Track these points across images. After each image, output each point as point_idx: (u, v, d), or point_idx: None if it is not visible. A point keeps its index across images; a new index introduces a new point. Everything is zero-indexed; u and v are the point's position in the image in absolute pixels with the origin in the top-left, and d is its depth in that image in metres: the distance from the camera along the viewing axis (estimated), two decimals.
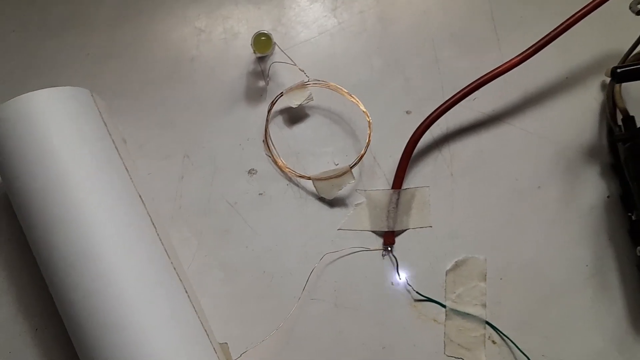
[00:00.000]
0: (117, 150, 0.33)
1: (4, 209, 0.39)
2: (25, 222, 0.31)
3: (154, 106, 0.40)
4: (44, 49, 0.42)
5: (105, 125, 0.34)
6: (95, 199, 0.30)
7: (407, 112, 0.42)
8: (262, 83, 0.41)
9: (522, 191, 0.40)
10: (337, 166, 0.40)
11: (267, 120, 0.40)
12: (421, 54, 0.43)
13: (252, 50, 0.39)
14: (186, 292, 0.32)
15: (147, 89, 0.41)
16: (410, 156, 0.39)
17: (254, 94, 0.41)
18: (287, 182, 0.40)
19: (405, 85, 0.42)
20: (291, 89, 0.40)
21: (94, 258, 0.29)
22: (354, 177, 0.39)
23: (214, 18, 0.43)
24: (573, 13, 0.38)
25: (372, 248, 0.39)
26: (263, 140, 0.40)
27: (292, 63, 0.40)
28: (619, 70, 0.38)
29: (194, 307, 0.32)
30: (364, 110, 0.39)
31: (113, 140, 0.34)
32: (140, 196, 0.33)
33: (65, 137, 0.31)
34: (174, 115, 0.40)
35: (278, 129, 0.41)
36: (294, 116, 0.41)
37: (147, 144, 0.40)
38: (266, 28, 0.42)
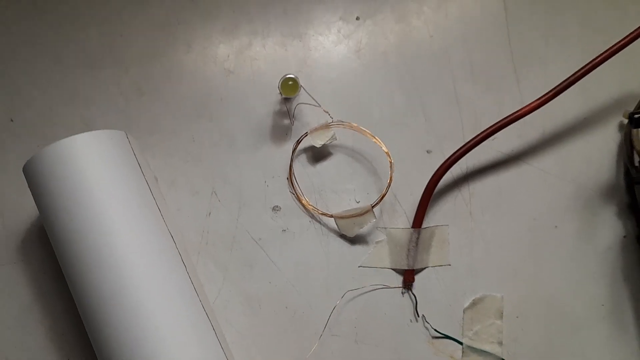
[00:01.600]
0: (150, 190, 0.35)
1: (41, 241, 0.41)
2: (62, 258, 0.33)
3: (184, 143, 0.42)
4: (80, 85, 0.44)
5: (139, 165, 0.36)
6: (129, 238, 0.32)
7: (427, 152, 0.43)
8: (287, 122, 0.43)
9: (539, 230, 0.41)
10: (359, 204, 0.41)
11: (291, 158, 0.42)
12: (442, 92, 0.44)
13: (279, 92, 0.41)
14: (212, 327, 0.34)
15: (178, 126, 0.43)
16: (430, 196, 0.40)
17: (279, 133, 0.43)
18: (310, 219, 0.41)
19: (426, 124, 0.44)
20: (315, 129, 0.42)
21: (127, 293, 0.31)
22: (375, 216, 0.40)
23: (243, 59, 0.45)
24: (595, 57, 0.39)
25: (392, 286, 0.40)
26: (287, 178, 0.42)
27: (317, 105, 0.42)
28: (636, 116, 0.39)
29: (220, 342, 0.34)
30: (386, 151, 0.41)
31: (146, 180, 0.36)
32: (170, 233, 0.35)
33: (102, 179, 0.33)
34: (203, 152, 0.42)
35: (302, 167, 0.42)
36: (318, 155, 0.43)
37: (177, 180, 0.42)
38: (292, 69, 0.44)
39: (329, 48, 0.45)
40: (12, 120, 0.43)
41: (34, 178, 0.34)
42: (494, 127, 0.40)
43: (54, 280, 0.40)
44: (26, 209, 0.41)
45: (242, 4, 0.46)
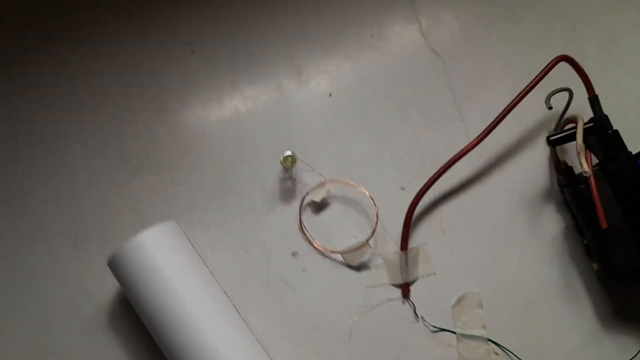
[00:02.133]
0: (204, 262, 0.48)
1: (121, 311, 0.53)
2: (150, 325, 0.46)
3: (218, 217, 0.55)
4: (129, 186, 0.57)
5: (192, 244, 0.49)
6: (199, 304, 0.45)
7: (402, 189, 0.56)
8: (291, 186, 0.56)
9: (499, 234, 0.54)
10: (357, 239, 0.54)
11: (299, 213, 0.55)
12: (405, 139, 0.57)
13: (282, 166, 0.54)
14: (267, 355, 0.46)
15: (211, 205, 0.56)
16: (410, 223, 0.53)
17: (287, 195, 0.56)
18: (322, 257, 0.54)
19: (398, 166, 0.57)
20: (313, 189, 0.55)
21: (204, 346, 0.44)
22: (371, 247, 0.53)
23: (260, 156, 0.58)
24: (520, 91, 0.51)
25: (393, 298, 0.52)
26: (299, 228, 0.55)
27: (311, 169, 0.55)
28: (551, 138, 0.52)
29: None
30: (370, 195, 0.54)
31: (199, 255, 0.49)
32: (225, 292, 0.48)
33: (170, 261, 0.46)
34: (233, 221, 0.55)
35: (309, 218, 0.55)
36: (319, 207, 0.56)
37: (216, 247, 0.55)
38: (292, 145, 0.57)
39: (313, 128, 0.59)
40: (82, 221, 0.56)
41: (118, 269, 0.47)
42: (448, 164, 0.53)
43: (141, 343, 0.53)
44: (110, 289, 0.54)
45: (236, 86, 0.59)
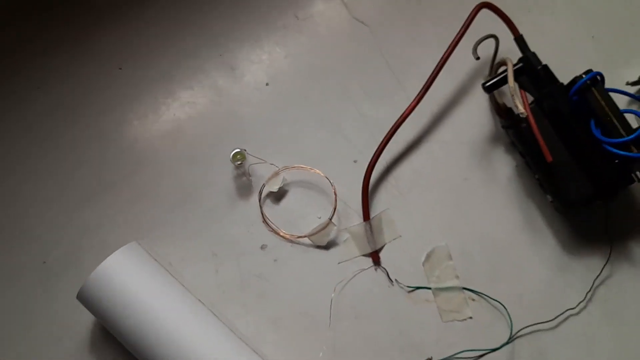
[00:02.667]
0: (172, 275, 0.49)
1: (103, 341, 0.53)
2: (132, 348, 0.46)
3: (179, 228, 0.55)
4: (86, 216, 0.57)
5: (156, 260, 0.49)
6: (175, 316, 0.45)
7: (354, 162, 0.57)
8: (246, 181, 0.56)
9: (455, 186, 0.55)
10: (321, 219, 0.55)
11: (260, 206, 0.55)
12: (348, 111, 0.58)
13: (233, 165, 0.54)
14: (254, 351, 0.47)
15: (169, 216, 0.55)
16: (367, 192, 0.54)
17: (244, 192, 0.56)
18: (291, 244, 0.55)
19: (346, 142, 0.57)
20: (269, 180, 0.55)
21: (183, 347, 0.44)
22: (335, 224, 0.54)
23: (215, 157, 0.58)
24: (449, 44, 0.52)
25: (365, 267, 0.54)
26: (262, 221, 0.55)
27: (263, 161, 0.56)
28: (486, 85, 0.53)
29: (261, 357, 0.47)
30: (324, 175, 0.55)
31: (167, 270, 0.49)
32: (199, 300, 0.48)
33: (138, 281, 0.46)
34: (196, 228, 0.55)
35: (270, 209, 0.56)
36: (279, 196, 0.56)
37: (184, 256, 0.55)
38: (240, 142, 0.57)
39: (258, 119, 0.59)
40: (44, 263, 0.56)
41: (88, 301, 0.46)
42: (393, 128, 0.54)
43: None
44: (87, 321, 0.54)
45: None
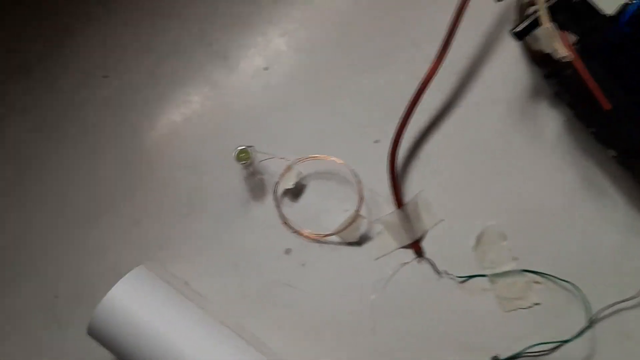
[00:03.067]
0: (187, 297, 0.42)
1: None
2: None
3: (193, 241, 0.49)
4: (89, 243, 0.51)
5: (168, 283, 0.43)
6: (193, 345, 0.39)
7: (376, 142, 0.49)
8: (258, 181, 0.50)
9: (496, 153, 0.47)
10: (347, 212, 0.48)
11: (277, 206, 0.49)
12: (363, 89, 0.51)
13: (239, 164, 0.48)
14: None
15: (180, 231, 0.50)
16: (395, 175, 0.47)
17: (258, 193, 0.50)
18: (318, 244, 0.48)
19: (365, 122, 0.50)
20: (282, 175, 0.48)
21: None
22: (364, 216, 0.47)
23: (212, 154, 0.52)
24: None
25: (407, 261, 0.46)
26: (282, 223, 0.48)
27: (272, 156, 0.49)
28: (516, 31, 0.45)
29: None
30: (341, 162, 0.47)
31: (180, 291, 0.43)
32: (221, 322, 0.41)
33: (149, 312, 0.40)
34: (210, 240, 0.49)
35: (289, 208, 0.49)
36: (296, 192, 0.49)
37: (203, 272, 0.48)
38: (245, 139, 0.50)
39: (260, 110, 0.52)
40: (56, 297, 0.50)
41: (99, 335, 0.41)
42: (415, 96, 0.46)
43: None
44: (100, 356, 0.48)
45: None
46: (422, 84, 0.46)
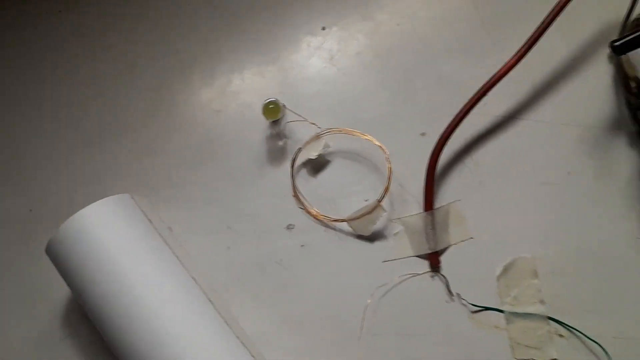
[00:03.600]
0: (165, 242, 0.37)
1: (80, 315, 0.43)
2: (98, 324, 0.35)
3: (192, 189, 0.44)
4: (87, 162, 0.47)
5: (150, 221, 0.38)
6: (154, 292, 0.34)
7: (422, 134, 0.43)
8: (281, 143, 0.44)
9: (553, 181, 0.41)
10: (367, 202, 0.42)
11: (292, 176, 0.43)
12: (423, 75, 0.45)
13: (265, 120, 0.42)
14: (253, 356, 0.35)
15: (183, 174, 0.45)
16: (434, 175, 0.41)
17: (276, 156, 0.44)
18: (324, 228, 0.42)
19: (415, 109, 0.44)
20: (307, 143, 0.43)
21: (162, 344, 0.32)
22: (384, 210, 0.40)
23: (227, 96, 0.47)
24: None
25: (420, 272, 0.40)
26: (293, 195, 0.43)
27: (303, 119, 0.43)
28: (617, 44, 0.38)
29: None
30: (379, 144, 0.41)
31: (160, 234, 0.38)
32: (193, 278, 0.36)
33: (117, 243, 0.35)
34: (211, 193, 0.44)
35: (305, 181, 0.43)
36: (317, 165, 0.44)
37: (192, 224, 0.43)
38: (274, 92, 0.45)
39: (303, 64, 0.47)
40: (30, 210, 0.46)
41: (56, 258, 0.36)
42: (479, 93, 0.40)
43: (102, 349, 0.42)
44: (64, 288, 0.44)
45: (213, 49, 0.48)
46: (490, 82, 0.40)
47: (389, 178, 0.41)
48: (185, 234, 0.43)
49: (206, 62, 0.48)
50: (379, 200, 0.40)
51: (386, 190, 0.40)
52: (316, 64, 0.47)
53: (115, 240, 0.35)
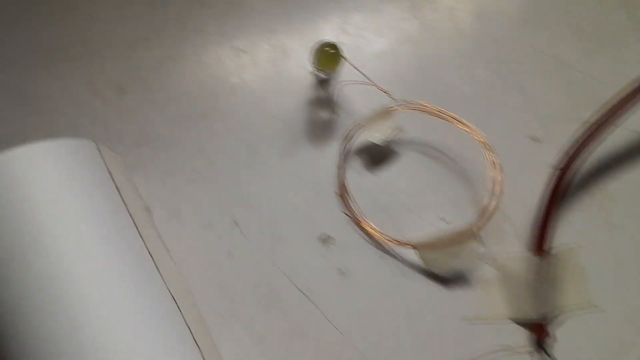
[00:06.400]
0: (135, 224, 0.22)
1: None
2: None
3: (187, 155, 0.29)
4: (41, 89, 0.30)
5: (118, 189, 0.23)
6: (89, 262, 0.20)
7: (533, 139, 0.29)
8: (328, 114, 0.29)
9: None
10: (449, 224, 0.27)
11: (340, 165, 0.28)
12: (539, 58, 0.31)
13: (311, 70, 0.27)
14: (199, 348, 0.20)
15: (177, 133, 0.29)
16: (554, 207, 0.26)
17: (318, 130, 0.29)
18: (379, 251, 0.27)
19: (524, 101, 0.30)
20: (372, 119, 0.28)
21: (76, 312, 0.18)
22: (482, 242, 0.26)
23: (257, 33, 0.31)
24: None
25: (515, 346, 0.25)
26: (337, 193, 0.28)
27: (370, 83, 0.28)
28: None
29: None
30: (483, 140, 0.27)
31: (129, 211, 0.22)
32: (171, 293, 0.21)
33: (52, 198, 0.20)
34: (215, 166, 0.29)
35: (358, 175, 0.29)
36: (379, 156, 0.29)
37: (182, 208, 0.28)
38: (329, 38, 0.30)
39: (373, 7, 0.32)
40: None
41: None
42: (625, 100, 0.26)
43: None
44: None
45: None
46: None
47: (497, 195, 0.26)
48: (168, 220, 0.28)
49: None
50: (476, 227, 0.25)
51: (490, 213, 0.26)
52: (392, 11, 0.32)
53: (51, 194, 0.20)
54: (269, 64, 0.31)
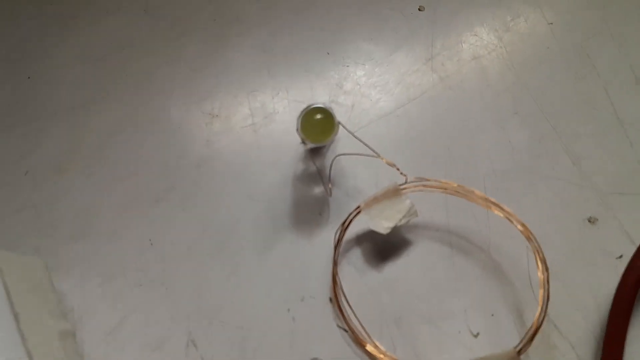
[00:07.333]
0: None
1: None
2: None
3: (135, 252, 0.22)
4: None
5: (16, 319, 0.15)
6: None
7: (589, 220, 0.22)
8: (319, 191, 0.22)
9: None
10: (477, 338, 0.19)
11: (334, 261, 0.21)
12: (594, 117, 0.24)
13: (299, 139, 0.21)
14: None
15: (123, 222, 0.23)
16: (630, 315, 0.19)
17: (307, 215, 0.22)
18: None
19: (576, 172, 0.23)
20: (377, 201, 0.21)
21: None
22: None
23: (232, 93, 0.25)
24: None
25: None
26: (330, 299, 0.21)
27: (374, 154, 0.21)
28: None
29: None
30: (523, 227, 0.19)
31: (27, 349, 0.15)
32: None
33: None
34: (169, 266, 0.21)
35: (358, 273, 0.22)
36: (385, 247, 0.22)
37: (123, 324, 0.21)
38: (320, 101, 0.24)
39: (379, 59, 0.25)
40: None
41: None
42: None
43: None
44: None
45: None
46: None
47: (545, 304, 0.18)
48: (105, 341, 0.20)
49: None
50: (519, 347, 0.18)
51: (536, 330, 0.18)
52: (402, 63, 0.25)
53: None
54: (247, 130, 0.25)
